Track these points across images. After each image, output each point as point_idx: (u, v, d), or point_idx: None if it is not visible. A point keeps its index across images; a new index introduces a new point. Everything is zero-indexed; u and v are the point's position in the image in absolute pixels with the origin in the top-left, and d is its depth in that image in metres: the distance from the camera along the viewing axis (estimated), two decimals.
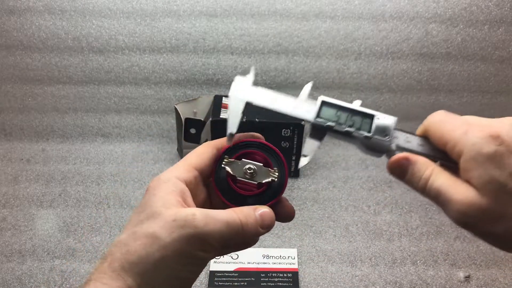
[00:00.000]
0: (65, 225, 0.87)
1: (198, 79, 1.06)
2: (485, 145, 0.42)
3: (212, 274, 0.80)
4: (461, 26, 1.03)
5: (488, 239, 0.45)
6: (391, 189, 0.96)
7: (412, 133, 0.48)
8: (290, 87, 1.06)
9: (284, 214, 0.51)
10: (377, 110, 0.48)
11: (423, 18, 1.03)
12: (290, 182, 0.98)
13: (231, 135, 0.48)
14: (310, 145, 0.49)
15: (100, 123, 1.07)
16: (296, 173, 0.99)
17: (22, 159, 1.02)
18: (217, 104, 0.96)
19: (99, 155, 1.03)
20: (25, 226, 0.87)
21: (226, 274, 0.79)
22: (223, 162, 0.49)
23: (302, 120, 0.50)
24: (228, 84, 1.06)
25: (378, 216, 0.91)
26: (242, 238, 0.46)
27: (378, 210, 0.92)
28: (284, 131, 0.93)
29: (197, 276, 0.45)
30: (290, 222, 0.93)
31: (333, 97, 0.50)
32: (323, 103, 0.49)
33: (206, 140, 0.96)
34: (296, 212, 0.94)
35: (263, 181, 0.49)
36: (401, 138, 0.48)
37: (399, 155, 0.46)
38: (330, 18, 1.03)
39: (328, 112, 0.49)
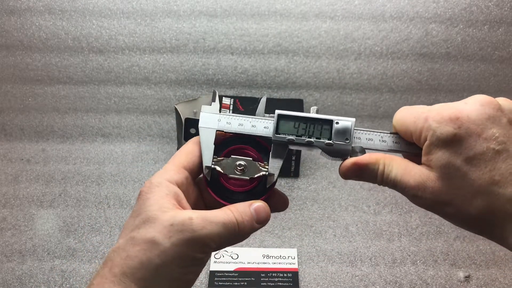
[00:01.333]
0: (65, 225, 0.87)
1: (198, 79, 1.06)
2: (443, 128, 0.43)
3: (212, 274, 0.80)
4: (461, 26, 1.03)
5: (446, 218, 0.47)
6: (391, 189, 0.96)
7: (388, 132, 0.49)
8: (290, 87, 1.06)
9: (279, 203, 0.51)
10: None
11: (423, 18, 1.03)
12: (290, 182, 0.98)
13: (208, 167, 0.48)
14: (274, 164, 0.49)
15: (100, 123, 1.07)
16: (296, 173, 0.99)
17: (22, 159, 1.02)
18: None
19: (99, 155, 1.03)
20: (25, 226, 0.87)
21: (226, 274, 0.79)
22: (213, 162, 0.48)
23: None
24: (228, 84, 1.06)
25: (378, 216, 0.91)
26: (238, 236, 0.46)
27: (378, 210, 0.92)
28: None
29: (198, 276, 0.46)
30: (290, 222, 0.93)
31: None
32: (280, 117, 0.49)
33: None
34: (296, 212, 0.95)
35: (255, 176, 0.48)
36: (376, 138, 0.49)
37: (347, 163, 0.47)
38: (330, 18, 1.03)
39: (286, 125, 0.49)
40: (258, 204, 0.47)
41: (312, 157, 1.03)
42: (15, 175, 0.98)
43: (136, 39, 1.03)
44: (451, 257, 0.84)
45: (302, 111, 1.00)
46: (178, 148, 1.03)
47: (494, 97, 0.48)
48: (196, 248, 0.43)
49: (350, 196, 0.95)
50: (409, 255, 0.84)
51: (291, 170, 0.99)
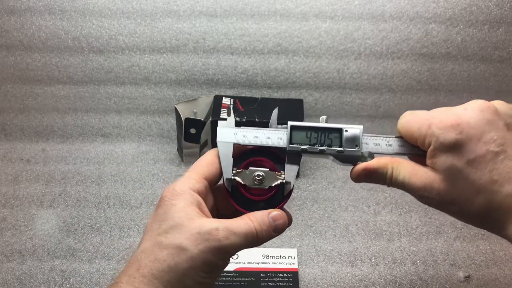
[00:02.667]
0: (65, 225, 0.87)
1: (198, 79, 1.06)
2: (446, 135, 0.47)
3: None
4: (461, 26, 1.03)
5: (451, 215, 0.51)
6: (391, 189, 0.95)
7: (393, 136, 0.52)
8: (290, 87, 1.06)
9: None
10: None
11: (423, 18, 1.03)
12: None
13: (228, 180, 0.52)
14: (290, 172, 0.52)
15: (100, 123, 1.07)
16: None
17: (22, 159, 1.02)
18: (217, 104, 0.96)
19: (99, 155, 1.03)
20: (25, 226, 0.87)
21: (226, 274, 0.79)
22: (232, 174, 0.52)
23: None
24: (228, 84, 1.06)
25: (378, 216, 0.91)
26: (255, 244, 0.49)
27: (378, 210, 0.92)
28: None
29: (216, 280, 0.50)
30: None
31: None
32: (292, 128, 0.52)
33: (206, 140, 0.96)
34: (296, 212, 0.95)
35: (273, 185, 0.52)
36: (383, 143, 0.52)
37: (358, 168, 0.51)
38: (330, 18, 1.03)
39: (299, 136, 0.52)
40: (275, 213, 0.51)
41: (312, 157, 1.03)
42: (15, 175, 0.98)
43: (136, 39, 1.03)
44: (451, 257, 0.84)
45: (302, 111, 1.00)
46: (178, 148, 1.03)
47: (494, 98, 0.51)
48: (220, 256, 0.47)
49: (350, 196, 0.95)
50: (409, 255, 0.84)
51: None
